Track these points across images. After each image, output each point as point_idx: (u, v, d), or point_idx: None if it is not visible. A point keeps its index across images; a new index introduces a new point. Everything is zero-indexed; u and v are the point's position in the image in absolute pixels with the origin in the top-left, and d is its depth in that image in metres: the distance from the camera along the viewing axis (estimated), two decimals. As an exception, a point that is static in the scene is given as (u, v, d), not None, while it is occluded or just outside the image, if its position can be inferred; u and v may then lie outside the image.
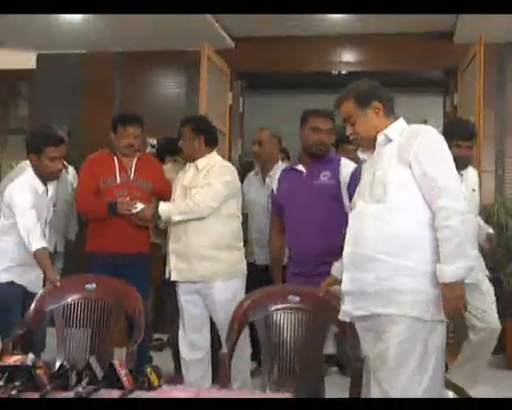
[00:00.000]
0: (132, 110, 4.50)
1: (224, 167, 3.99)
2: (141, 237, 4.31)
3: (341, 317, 2.79)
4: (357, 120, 2.81)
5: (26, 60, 6.61)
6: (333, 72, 6.41)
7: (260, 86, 7.09)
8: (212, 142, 4.04)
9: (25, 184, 3.91)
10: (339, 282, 2.83)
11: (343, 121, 2.88)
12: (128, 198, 4.15)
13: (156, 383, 2.30)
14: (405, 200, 2.63)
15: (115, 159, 4.30)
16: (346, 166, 3.75)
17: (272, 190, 3.99)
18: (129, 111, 4.52)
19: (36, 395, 2.16)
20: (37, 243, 3.76)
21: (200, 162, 3.96)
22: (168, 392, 2.29)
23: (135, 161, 4.33)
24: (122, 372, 2.28)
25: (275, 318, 3.18)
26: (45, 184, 3.99)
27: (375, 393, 2.63)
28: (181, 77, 6.42)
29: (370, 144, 2.81)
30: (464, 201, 2.58)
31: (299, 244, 3.71)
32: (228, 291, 3.84)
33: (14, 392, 2.15)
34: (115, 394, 2.15)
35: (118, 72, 6.45)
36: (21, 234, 3.79)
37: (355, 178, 3.52)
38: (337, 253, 3.01)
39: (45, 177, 3.95)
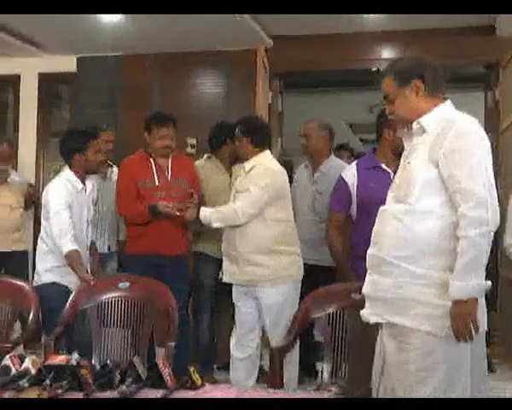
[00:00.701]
0: (171, 111, 4.50)
1: (264, 171, 3.89)
2: (181, 239, 4.33)
3: (364, 320, 2.60)
4: (396, 98, 2.56)
5: (66, 63, 6.69)
6: (372, 69, 6.36)
7: (298, 85, 7.08)
8: (259, 142, 3.95)
9: (60, 184, 3.99)
10: None
11: (383, 99, 2.64)
12: (167, 203, 4.14)
13: (199, 383, 2.31)
14: (430, 203, 2.42)
15: (152, 160, 4.31)
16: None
17: (347, 185, 3.76)
18: (168, 111, 4.51)
19: (80, 395, 2.19)
20: (69, 245, 3.81)
21: (247, 164, 3.93)
22: (211, 392, 2.29)
23: (170, 161, 4.33)
24: (165, 372, 2.30)
25: (336, 317, 3.14)
26: (83, 183, 4.05)
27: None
28: (219, 77, 6.42)
29: (409, 127, 2.57)
30: (495, 212, 2.33)
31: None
32: (275, 296, 3.80)
33: (59, 391, 2.18)
34: (159, 393, 2.16)
35: (156, 73, 6.48)
36: (53, 235, 3.85)
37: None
38: None
39: (92, 170, 4.06)
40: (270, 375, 2.90)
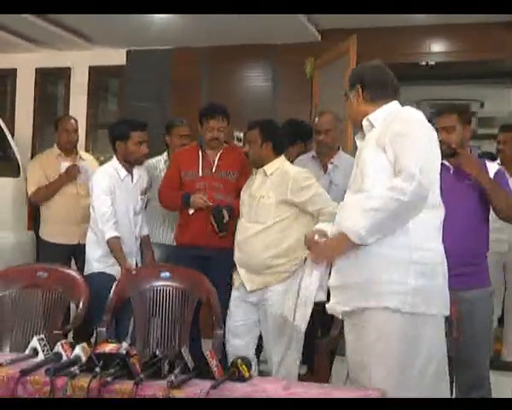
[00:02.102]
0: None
1: (305, 172, 3.84)
2: (230, 233, 4.33)
3: (329, 312, 2.71)
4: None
5: (115, 56, 6.79)
6: (421, 62, 6.28)
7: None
8: (280, 148, 3.89)
9: (104, 171, 4.06)
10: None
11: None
12: (202, 194, 4.16)
13: (247, 375, 2.32)
14: (382, 188, 2.50)
15: (200, 152, 4.33)
16: (490, 168, 3.51)
17: None
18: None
19: (130, 383, 2.22)
20: (110, 231, 3.88)
21: (269, 168, 3.83)
22: (258, 384, 2.30)
23: (219, 153, 4.34)
24: (213, 363, 2.31)
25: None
26: (130, 171, 4.10)
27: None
28: (267, 70, 6.42)
29: (359, 129, 2.73)
30: (419, 187, 2.42)
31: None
32: (282, 292, 3.67)
33: (109, 379, 2.21)
34: (207, 384, 2.17)
35: (205, 66, 6.52)
36: (97, 221, 3.92)
37: (498, 179, 3.43)
38: (479, 255, 3.14)
39: (133, 162, 4.09)
40: (318, 370, 2.88)
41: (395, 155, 2.50)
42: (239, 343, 3.78)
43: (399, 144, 2.50)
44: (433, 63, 6.26)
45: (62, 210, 5.01)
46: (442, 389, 2.61)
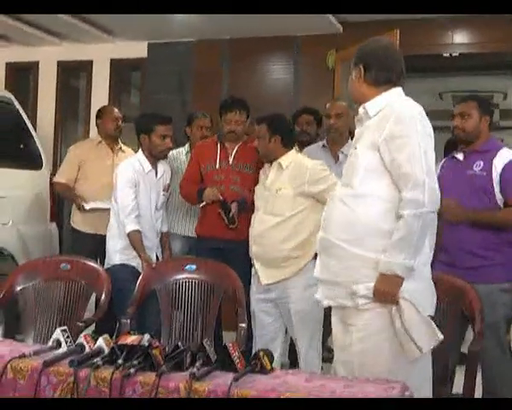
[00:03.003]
0: (240, 97, 4.51)
1: (321, 164, 3.87)
2: (247, 225, 4.33)
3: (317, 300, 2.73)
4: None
5: (137, 49, 6.80)
6: (444, 54, 6.22)
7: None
8: (289, 142, 3.91)
9: (128, 163, 4.09)
10: None
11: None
12: (216, 188, 4.18)
13: (269, 367, 2.31)
14: (372, 187, 2.50)
15: (218, 145, 4.35)
16: (502, 158, 3.49)
17: None
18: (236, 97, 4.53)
19: (152, 375, 2.23)
20: (132, 225, 3.90)
21: (284, 160, 3.85)
22: (281, 376, 2.29)
23: (237, 146, 4.34)
24: (235, 355, 2.31)
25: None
26: (154, 165, 4.11)
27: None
28: (289, 63, 6.40)
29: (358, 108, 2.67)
30: (432, 194, 2.41)
31: (450, 236, 3.47)
32: (303, 284, 3.74)
33: (131, 371, 2.22)
34: (229, 376, 2.17)
35: (226, 59, 6.51)
36: (120, 213, 3.93)
37: (509, 170, 3.42)
38: (491, 247, 3.14)
39: (157, 156, 4.11)
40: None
41: (392, 157, 2.46)
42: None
43: (396, 147, 2.46)
44: (456, 54, 6.20)
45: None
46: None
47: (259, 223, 3.83)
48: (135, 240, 3.94)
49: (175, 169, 4.77)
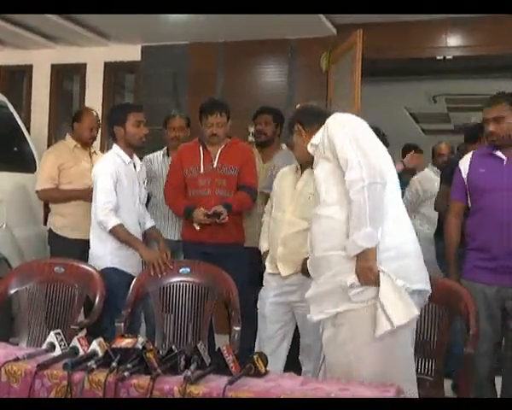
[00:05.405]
0: (235, 99, 4.52)
1: None
2: (235, 228, 4.32)
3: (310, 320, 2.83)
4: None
5: (131, 52, 6.78)
6: (437, 57, 6.23)
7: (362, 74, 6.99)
8: None
9: (107, 157, 4.02)
10: None
11: None
12: (203, 210, 4.12)
13: (263, 370, 2.31)
14: (336, 189, 2.67)
15: (201, 148, 4.31)
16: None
17: (461, 172, 3.63)
18: (231, 99, 4.52)
19: (146, 378, 2.22)
20: (113, 219, 3.78)
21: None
22: (276, 379, 2.29)
23: (220, 148, 4.30)
24: (229, 358, 2.31)
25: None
26: (132, 158, 4.03)
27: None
28: (283, 65, 6.39)
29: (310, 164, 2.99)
30: (370, 167, 2.55)
31: (494, 233, 3.41)
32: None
33: (126, 374, 2.21)
34: (223, 379, 2.17)
35: (221, 61, 6.50)
36: (97, 212, 3.82)
37: None
38: None
39: (135, 144, 4.02)
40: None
41: (333, 155, 2.68)
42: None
43: (332, 145, 2.68)
44: (450, 57, 6.21)
45: (77, 203, 4.86)
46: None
47: (289, 225, 3.67)
48: (122, 233, 3.81)
49: (152, 172, 4.74)
